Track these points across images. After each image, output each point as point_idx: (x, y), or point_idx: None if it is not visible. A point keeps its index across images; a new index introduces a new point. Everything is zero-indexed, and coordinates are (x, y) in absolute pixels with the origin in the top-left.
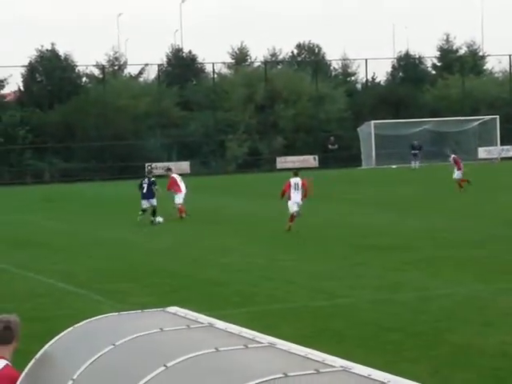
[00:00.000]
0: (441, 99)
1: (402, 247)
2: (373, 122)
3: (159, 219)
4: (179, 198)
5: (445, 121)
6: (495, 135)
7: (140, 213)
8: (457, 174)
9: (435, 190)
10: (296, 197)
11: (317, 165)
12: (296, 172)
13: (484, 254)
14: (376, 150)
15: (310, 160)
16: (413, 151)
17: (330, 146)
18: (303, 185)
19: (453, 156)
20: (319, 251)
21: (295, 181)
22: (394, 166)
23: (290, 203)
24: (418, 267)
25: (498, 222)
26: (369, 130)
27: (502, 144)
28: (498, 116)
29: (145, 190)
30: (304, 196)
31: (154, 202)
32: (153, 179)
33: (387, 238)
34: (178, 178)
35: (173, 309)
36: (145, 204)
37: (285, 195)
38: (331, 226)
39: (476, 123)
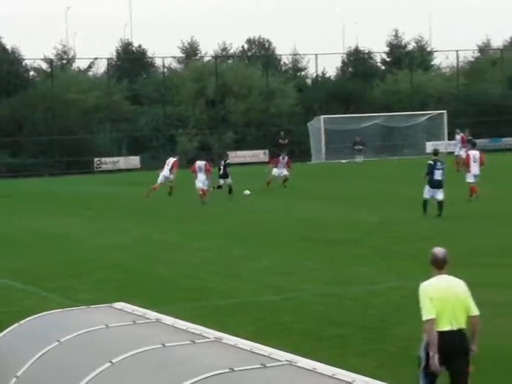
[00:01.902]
0: (390, 94)
1: (353, 241)
2: (323, 116)
3: (246, 192)
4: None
5: (394, 115)
6: (443, 130)
7: (213, 187)
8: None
9: (384, 184)
10: (201, 177)
11: (267, 159)
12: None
13: (434, 246)
14: (326, 145)
15: (260, 155)
16: (356, 147)
17: (280, 141)
18: (207, 170)
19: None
20: (269, 246)
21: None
22: (343, 161)
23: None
24: (369, 261)
25: (447, 215)
26: (319, 125)
27: (449, 139)
28: (445, 111)
29: (221, 172)
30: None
31: (229, 180)
32: (228, 161)
33: (338, 231)
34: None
35: (119, 305)
36: (221, 182)
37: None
38: (281, 221)
39: (424, 118)
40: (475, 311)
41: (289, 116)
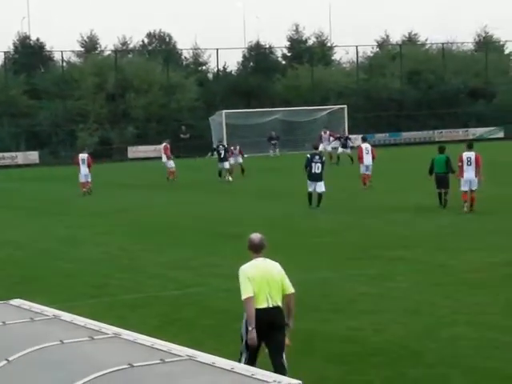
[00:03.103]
0: (291, 89)
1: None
2: (224, 111)
3: (230, 178)
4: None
5: (295, 110)
6: (343, 124)
7: (225, 175)
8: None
9: (290, 178)
10: (83, 170)
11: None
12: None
13: (335, 240)
14: (228, 140)
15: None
16: (272, 141)
17: (181, 136)
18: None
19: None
20: (172, 241)
21: None
22: (245, 156)
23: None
24: (273, 255)
25: (350, 208)
26: (220, 120)
27: (349, 133)
28: (345, 106)
29: (222, 156)
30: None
31: (227, 164)
32: (226, 146)
33: (241, 226)
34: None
35: (17, 301)
36: (226, 165)
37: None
38: (184, 215)
39: (325, 112)
40: (290, 289)
41: (190, 110)
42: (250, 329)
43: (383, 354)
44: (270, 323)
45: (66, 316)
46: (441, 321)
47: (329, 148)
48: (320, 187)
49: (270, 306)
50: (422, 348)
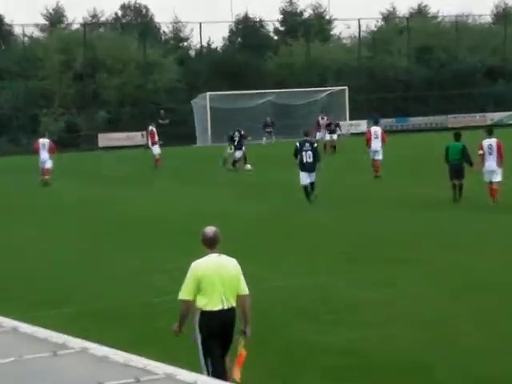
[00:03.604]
0: (285, 68)
1: (246, 233)
2: (208, 93)
3: (248, 167)
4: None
5: (290, 92)
6: (344, 108)
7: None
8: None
9: (283, 169)
10: (44, 155)
11: (145, 142)
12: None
13: (333, 238)
14: (212, 126)
15: (138, 137)
16: (266, 129)
17: (160, 121)
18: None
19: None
20: (146, 239)
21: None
22: (249, 138)
23: None
24: (262, 256)
25: (351, 202)
26: (204, 103)
27: (350, 118)
28: (346, 87)
29: (236, 143)
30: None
31: (240, 153)
32: (243, 133)
33: (225, 222)
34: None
35: None
36: (238, 154)
37: None
38: (161, 210)
39: (323, 94)
40: (245, 290)
41: (169, 92)
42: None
43: (389, 368)
44: (224, 325)
45: (26, 328)
46: (453, 331)
47: (327, 137)
48: (312, 177)
49: (225, 307)
50: (433, 361)
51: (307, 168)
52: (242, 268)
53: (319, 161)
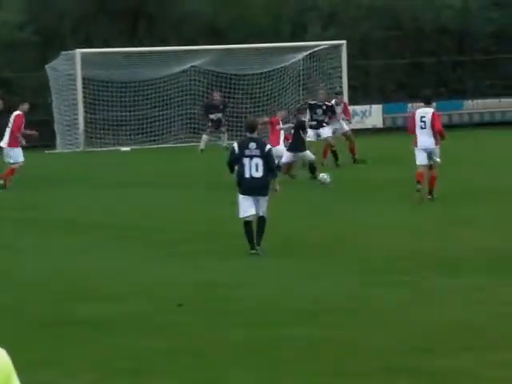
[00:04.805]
0: (225, 5)
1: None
2: (79, 50)
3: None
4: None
5: (235, 50)
6: (338, 82)
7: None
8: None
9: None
10: None
11: None
12: None
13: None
14: (88, 115)
15: None
16: (211, 115)
17: None
18: None
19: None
20: None
21: None
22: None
23: None
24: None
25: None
26: (70, 70)
27: (351, 101)
28: (344, 41)
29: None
30: None
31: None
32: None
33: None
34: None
35: None
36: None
37: None
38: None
39: (301, 56)
40: None
41: (7, 49)
42: None
43: None
44: None
45: None
46: None
47: (345, 126)
48: (263, 207)
49: None
50: None
51: (251, 188)
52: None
53: (274, 176)
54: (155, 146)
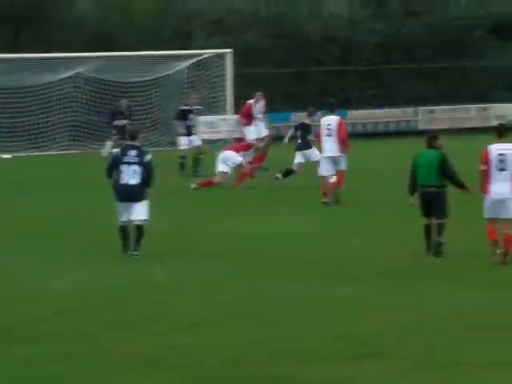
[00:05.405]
0: (114, 11)
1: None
2: None
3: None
4: None
5: (120, 57)
6: (224, 91)
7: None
8: None
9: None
10: None
11: None
12: None
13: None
14: None
15: None
16: (117, 121)
17: None
18: None
19: None
20: None
21: None
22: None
23: None
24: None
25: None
26: None
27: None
28: (230, 50)
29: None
30: None
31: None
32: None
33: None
34: None
35: None
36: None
37: None
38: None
39: (185, 64)
40: None
41: None
42: None
43: None
44: None
45: None
46: None
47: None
48: (138, 214)
49: None
50: None
51: (125, 194)
52: None
53: (148, 186)
54: (37, 154)
